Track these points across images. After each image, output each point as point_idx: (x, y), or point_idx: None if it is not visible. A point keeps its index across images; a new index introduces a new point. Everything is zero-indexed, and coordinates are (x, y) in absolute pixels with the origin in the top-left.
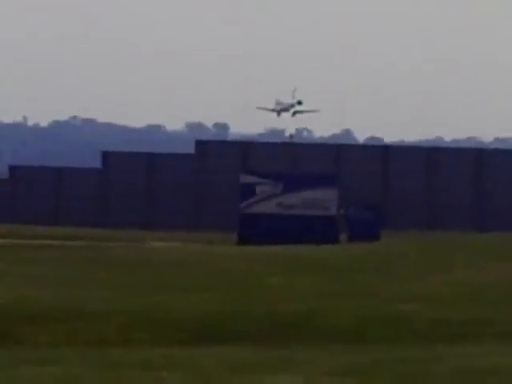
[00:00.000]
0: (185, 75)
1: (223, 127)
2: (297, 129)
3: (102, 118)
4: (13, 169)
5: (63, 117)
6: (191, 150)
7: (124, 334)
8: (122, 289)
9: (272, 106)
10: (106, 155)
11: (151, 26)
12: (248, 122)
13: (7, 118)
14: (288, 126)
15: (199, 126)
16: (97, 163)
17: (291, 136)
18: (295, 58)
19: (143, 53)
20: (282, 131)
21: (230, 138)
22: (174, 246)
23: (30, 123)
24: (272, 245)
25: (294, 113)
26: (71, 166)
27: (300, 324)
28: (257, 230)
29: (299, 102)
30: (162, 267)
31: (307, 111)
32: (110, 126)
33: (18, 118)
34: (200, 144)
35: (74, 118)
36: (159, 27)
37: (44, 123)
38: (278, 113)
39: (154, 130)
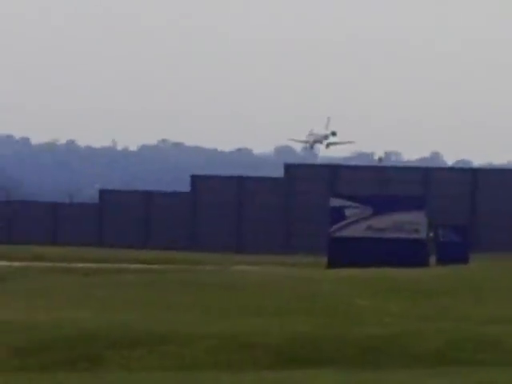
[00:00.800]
0: (273, 99)
1: (310, 151)
2: (385, 152)
3: (190, 142)
4: (102, 193)
5: (152, 141)
6: (279, 173)
7: (214, 358)
8: (211, 312)
9: (305, 138)
10: (194, 179)
11: (237, 56)
12: (336, 145)
13: (97, 143)
14: (376, 149)
15: (287, 150)
16: (186, 187)
17: (380, 159)
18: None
19: (231, 78)
20: (370, 154)
21: (318, 161)
22: (263, 269)
23: (119, 147)
24: (362, 268)
25: (328, 145)
26: (160, 189)
27: (390, 347)
28: (346, 253)
29: (333, 133)
30: (251, 290)
31: (342, 143)
32: (198, 150)
33: (107, 143)
34: (289, 167)
35: (163, 141)
36: (245, 57)
37: (133, 147)
38: (311, 145)
39: (242, 153)
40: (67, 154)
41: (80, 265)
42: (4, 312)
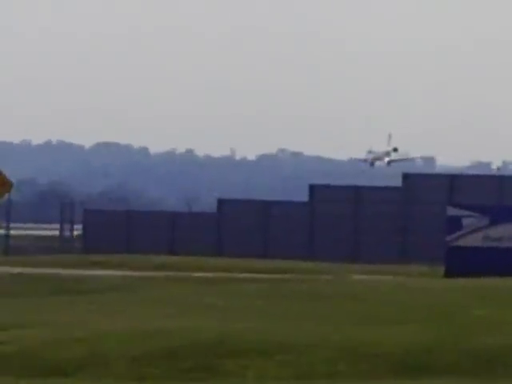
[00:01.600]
0: (391, 109)
1: (430, 160)
2: (503, 162)
3: (309, 151)
4: (221, 202)
5: (271, 150)
6: (397, 182)
7: (331, 367)
8: (329, 321)
9: (363, 156)
10: (313, 188)
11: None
12: (455, 154)
13: (215, 152)
14: (494, 159)
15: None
16: (304, 196)
17: (498, 169)
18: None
19: (353, 85)
20: (489, 164)
21: (436, 170)
22: (379, 279)
23: (237, 157)
24: (479, 277)
25: (389, 162)
26: (278, 199)
27: (507, 357)
28: (464, 263)
29: (395, 150)
30: (368, 299)
31: (402, 159)
32: (317, 159)
33: (226, 152)
34: (407, 177)
35: (282, 151)
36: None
37: (251, 156)
38: (372, 163)
39: (356, 163)
40: (186, 164)
41: (198, 274)
42: (123, 321)
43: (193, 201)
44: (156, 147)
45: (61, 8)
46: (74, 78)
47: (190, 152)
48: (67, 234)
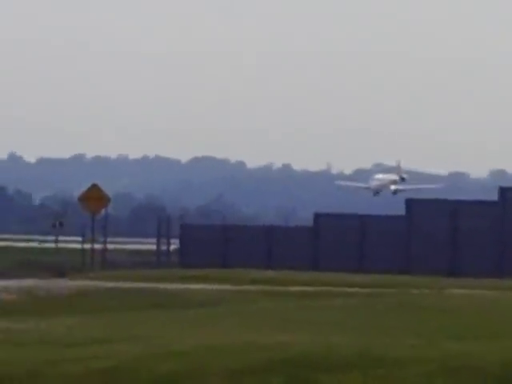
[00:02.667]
0: (488, 124)
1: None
2: None
3: (404, 166)
4: (317, 216)
5: (367, 165)
6: (495, 198)
7: (428, 381)
8: (426, 335)
9: (365, 183)
10: (409, 202)
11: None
12: None
13: (312, 167)
14: None
15: (502, 174)
16: (401, 210)
17: None
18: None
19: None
20: None
21: None
22: (475, 293)
23: (334, 171)
24: None
25: (395, 191)
26: (374, 213)
27: None
28: None
29: (402, 179)
30: (465, 313)
31: (411, 189)
32: (412, 174)
33: (322, 166)
34: (504, 191)
35: (378, 165)
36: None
37: (348, 170)
38: (376, 192)
39: (457, 177)
40: (283, 178)
41: (294, 288)
42: (219, 335)
43: (289, 215)
44: (253, 162)
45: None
46: (170, 98)
47: (286, 166)
48: (164, 248)
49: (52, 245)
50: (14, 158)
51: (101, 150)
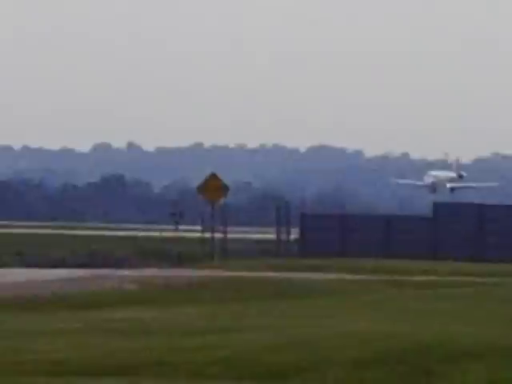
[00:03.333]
0: None
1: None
2: None
3: None
4: (436, 205)
5: (485, 153)
6: None
7: None
8: None
9: (421, 181)
10: None
11: None
12: None
13: (430, 155)
14: None
15: None
16: None
17: None
18: None
19: None
20: None
21: None
22: None
23: (450, 160)
24: None
25: (452, 189)
26: (493, 202)
27: None
28: None
29: (460, 176)
30: None
31: (468, 187)
32: None
33: (441, 155)
34: None
35: (497, 154)
36: None
37: (466, 160)
38: (433, 190)
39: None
40: (400, 167)
41: (414, 278)
42: (340, 325)
43: (407, 204)
44: (371, 150)
45: None
46: (284, 87)
47: (405, 155)
48: (284, 237)
49: (172, 234)
50: (132, 148)
51: (219, 139)
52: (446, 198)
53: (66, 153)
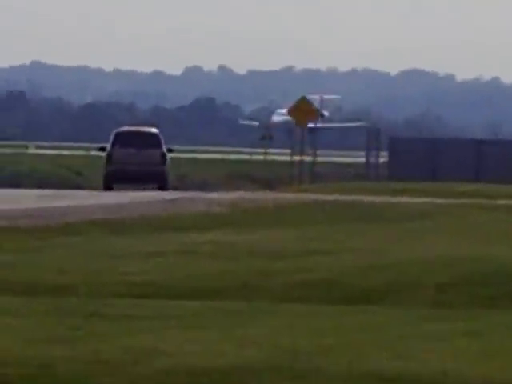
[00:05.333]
0: None
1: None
2: None
3: None
4: None
5: None
6: None
7: None
8: None
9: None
10: None
11: None
12: None
13: None
14: None
15: None
16: None
17: None
18: None
19: None
20: None
21: None
22: None
23: None
24: None
25: (309, 130)
26: None
27: None
28: None
29: (322, 116)
30: None
31: (330, 127)
32: None
33: None
34: None
35: None
36: None
37: None
38: (266, 135)
39: None
40: (491, 91)
41: (503, 201)
42: (425, 248)
43: (497, 128)
44: (462, 74)
45: None
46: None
47: (496, 79)
48: (373, 160)
49: (261, 157)
50: (223, 70)
51: (310, 62)
52: None
53: (158, 76)
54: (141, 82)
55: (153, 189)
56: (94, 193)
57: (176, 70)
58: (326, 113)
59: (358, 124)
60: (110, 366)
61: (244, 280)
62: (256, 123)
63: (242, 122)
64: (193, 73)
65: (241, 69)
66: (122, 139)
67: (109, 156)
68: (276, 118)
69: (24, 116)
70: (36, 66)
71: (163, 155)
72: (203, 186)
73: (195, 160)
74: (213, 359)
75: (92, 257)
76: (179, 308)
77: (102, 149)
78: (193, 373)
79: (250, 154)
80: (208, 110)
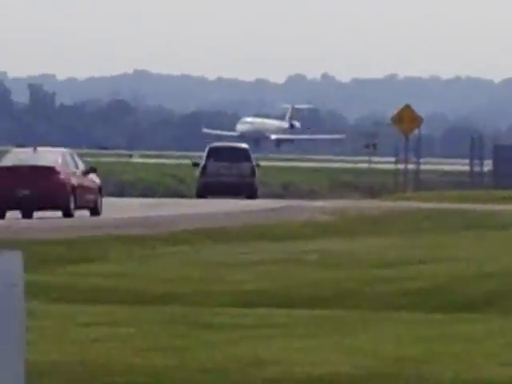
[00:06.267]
0: None
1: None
2: None
3: None
4: None
5: None
6: None
7: None
8: None
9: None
10: None
11: None
12: None
13: None
14: None
15: None
16: None
17: None
18: None
19: None
20: None
21: None
22: None
23: None
24: None
25: (278, 141)
26: None
27: None
28: None
29: (292, 126)
30: None
31: (301, 139)
32: None
33: None
34: None
35: None
36: None
37: None
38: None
39: None
40: None
41: None
42: None
43: None
44: None
45: None
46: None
47: None
48: (477, 169)
49: (365, 165)
50: (326, 79)
51: (413, 70)
52: None
53: (260, 84)
54: (243, 91)
55: (242, 199)
56: (197, 201)
57: (279, 78)
58: (297, 123)
59: (335, 136)
60: (216, 375)
61: (349, 288)
62: (216, 132)
63: (204, 130)
64: (296, 81)
65: (344, 77)
66: (215, 153)
67: (203, 168)
68: (240, 127)
69: (128, 125)
70: (139, 74)
71: (252, 168)
72: (307, 194)
73: (299, 168)
74: (320, 368)
75: (199, 266)
76: (286, 317)
77: (196, 164)
78: (300, 381)
79: (354, 162)
80: (310, 118)
